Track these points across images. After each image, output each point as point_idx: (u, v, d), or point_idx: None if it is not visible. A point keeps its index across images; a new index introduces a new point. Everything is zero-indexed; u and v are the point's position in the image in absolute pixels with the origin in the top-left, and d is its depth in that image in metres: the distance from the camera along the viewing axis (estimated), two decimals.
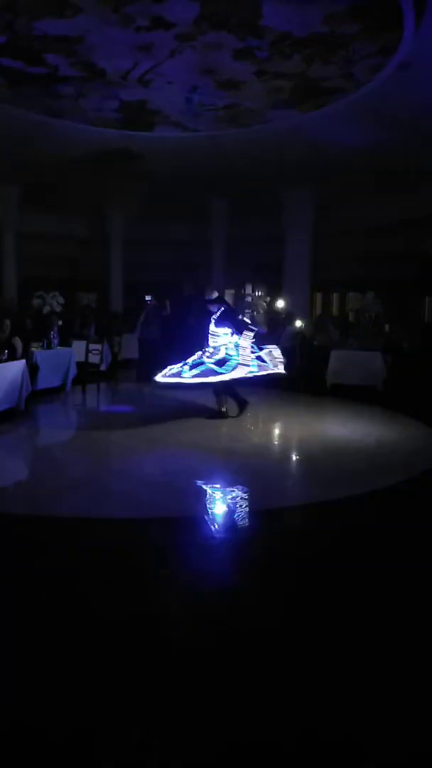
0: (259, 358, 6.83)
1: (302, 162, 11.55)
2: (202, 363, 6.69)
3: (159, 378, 6.94)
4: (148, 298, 12.08)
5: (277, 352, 7.07)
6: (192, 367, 6.69)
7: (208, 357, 6.73)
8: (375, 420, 7.81)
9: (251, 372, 6.75)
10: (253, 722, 2.01)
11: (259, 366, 6.81)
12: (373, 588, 3.03)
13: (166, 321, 11.20)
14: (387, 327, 12.60)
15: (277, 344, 9.17)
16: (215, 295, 7.16)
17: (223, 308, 6.99)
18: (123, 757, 1.86)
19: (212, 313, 6.92)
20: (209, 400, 7.59)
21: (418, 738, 1.98)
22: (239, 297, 15.85)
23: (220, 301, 7.23)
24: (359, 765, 1.84)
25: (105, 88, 8.38)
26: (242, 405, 7.20)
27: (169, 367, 6.93)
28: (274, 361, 6.95)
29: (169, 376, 6.81)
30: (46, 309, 9.63)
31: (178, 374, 6.74)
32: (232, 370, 6.65)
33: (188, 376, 6.68)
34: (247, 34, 6.82)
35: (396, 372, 9.42)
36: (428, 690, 2.22)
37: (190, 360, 6.82)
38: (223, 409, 7.15)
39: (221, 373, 6.66)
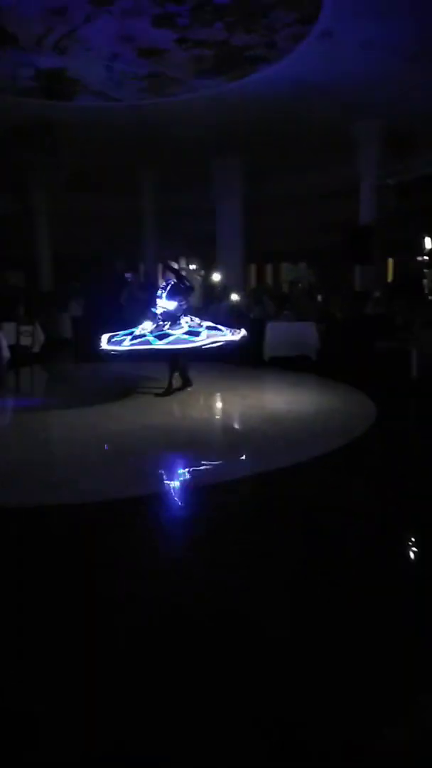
0: (212, 327, 6.86)
1: (230, 132, 11.46)
2: (168, 335, 6.59)
3: (110, 347, 6.77)
4: (128, 275, 11.88)
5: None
6: (159, 338, 6.59)
7: (170, 328, 6.65)
8: (311, 388, 8.01)
9: (217, 339, 6.75)
10: (196, 707, 2.02)
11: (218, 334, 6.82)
12: (322, 554, 3.13)
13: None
14: (320, 297, 12.89)
15: (213, 318, 9.19)
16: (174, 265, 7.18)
17: (172, 281, 7.00)
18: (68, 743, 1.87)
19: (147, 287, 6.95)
20: (145, 377, 7.57)
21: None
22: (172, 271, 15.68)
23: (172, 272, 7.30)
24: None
25: (18, 54, 7.94)
26: (187, 383, 7.20)
27: (111, 336, 6.80)
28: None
29: (129, 344, 6.66)
30: None
31: (145, 342, 6.60)
32: (202, 338, 6.65)
33: (160, 345, 6.59)
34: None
35: (330, 340, 9.68)
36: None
37: (141, 330, 6.71)
38: (174, 384, 7.10)
39: (192, 342, 6.61)
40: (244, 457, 5.27)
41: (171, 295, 6.87)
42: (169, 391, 7.03)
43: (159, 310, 6.85)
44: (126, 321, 7.24)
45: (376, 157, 11.78)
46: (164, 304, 6.86)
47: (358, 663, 2.22)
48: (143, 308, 8.11)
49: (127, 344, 6.68)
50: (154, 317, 6.83)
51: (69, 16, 6.87)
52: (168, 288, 6.94)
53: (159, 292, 7.02)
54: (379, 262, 13.04)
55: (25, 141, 11.10)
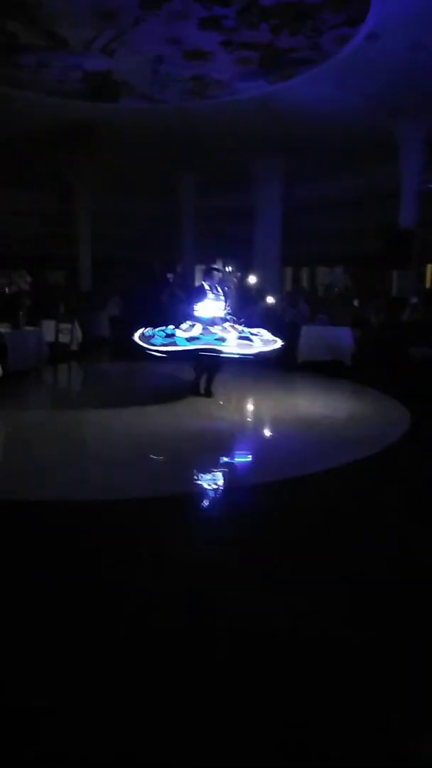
0: (245, 338, 6.72)
1: (271, 134, 11.44)
2: (198, 338, 6.54)
3: (141, 342, 6.77)
4: (169, 275, 12.01)
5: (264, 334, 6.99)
6: (189, 340, 6.56)
7: (204, 333, 6.57)
8: (345, 394, 7.95)
9: (246, 352, 6.65)
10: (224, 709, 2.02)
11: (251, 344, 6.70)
12: (356, 559, 3.11)
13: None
14: (356, 301, 12.76)
15: (248, 321, 9.18)
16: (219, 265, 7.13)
17: (220, 285, 6.94)
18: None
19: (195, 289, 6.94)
20: (179, 378, 7.62)
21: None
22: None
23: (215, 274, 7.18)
24: None
25: (68, 57, 8.11)
26: (194, 388, 7.15)
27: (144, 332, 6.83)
28: (263, 340, 6.86)
29: (160, 343, 6.66)
30: (13, 288, 9.42)
31: (173, 343, 6.58)
32: (231, 345, 6.56)
33: (188, 347, 6.57)
34: (213, 2, 6.67)
35: (364, 346, 9.56)
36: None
37: (174, 330, 6.69)
38: (203, 385, 7.10)
39: (221, 348, 6.55)
40: (275, 462, 5.25)
41: (226, 299, 6.87)
42: (209, 393, 7.03)
43: (204, 313, 6.75)
44: (165, 320, 7.28)
45: (418, 161, 11.58)
46: (215, 306, 6.79)
47: (358, 663, 2.22)
48: (183, 308, 8.14)
49: (157, 342, 6.68)
50: (194, 320, 6.74)
51: (118, 19, 6.99)
52: (222, 291, 6.91)
53: (206, 295, 6.85)
54: (418, 268, 12.81)
55: (69, 142, 11.31)
